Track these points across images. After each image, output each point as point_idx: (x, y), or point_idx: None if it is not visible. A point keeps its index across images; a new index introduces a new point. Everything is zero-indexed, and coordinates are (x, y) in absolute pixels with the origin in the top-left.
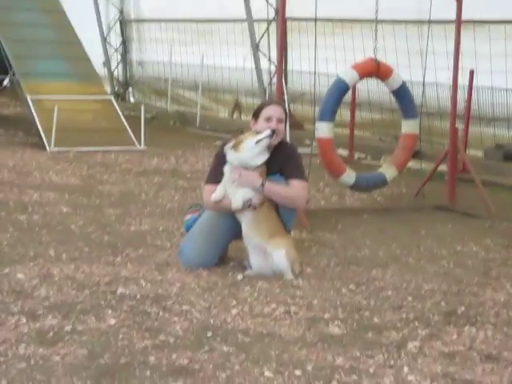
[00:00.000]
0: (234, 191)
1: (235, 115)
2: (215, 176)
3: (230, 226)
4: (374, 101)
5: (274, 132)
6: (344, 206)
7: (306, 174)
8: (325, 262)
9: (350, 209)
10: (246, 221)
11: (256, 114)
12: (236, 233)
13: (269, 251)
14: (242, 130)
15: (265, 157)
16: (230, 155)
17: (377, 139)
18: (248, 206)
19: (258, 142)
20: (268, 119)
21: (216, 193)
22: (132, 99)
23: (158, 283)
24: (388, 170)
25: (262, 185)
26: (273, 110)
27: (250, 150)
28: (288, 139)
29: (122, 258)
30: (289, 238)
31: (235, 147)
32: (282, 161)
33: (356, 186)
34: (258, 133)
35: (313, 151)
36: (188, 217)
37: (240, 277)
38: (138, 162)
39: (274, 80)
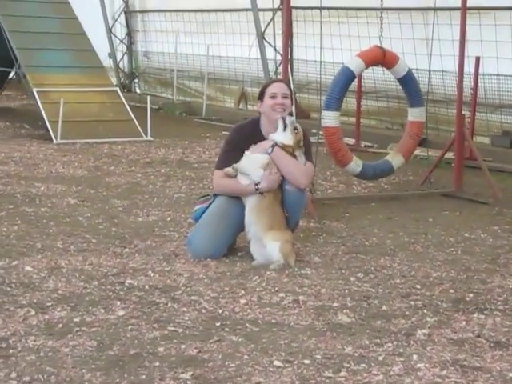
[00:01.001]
0: (243, 174)
1: (241, 105)
2: (225, 161)
3: (239, 216)
4: (380, 89)
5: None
6: (351, 195)
7: (313, 158)
8: (333, 250)
9: (358, 197)
10: (249, 205)
11: (261, 95)
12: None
13: (264, 242)
14: (248, 119)
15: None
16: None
17: (383, 127)
18: (256, 189)
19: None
20: (273, 96)
21: (230, 168)
22: (138, 90)
23: (167, 274)
24: (395, 158)
25: (273, 146)
26: (277, 87)
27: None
28: None
29: (129, 250)
30: (287, 233)
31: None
32: None
33: (363, 175)
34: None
35: (319, 140)
36: (197, 207)
37: (248, 266)
38: (144, 153)
39: (280, 69)
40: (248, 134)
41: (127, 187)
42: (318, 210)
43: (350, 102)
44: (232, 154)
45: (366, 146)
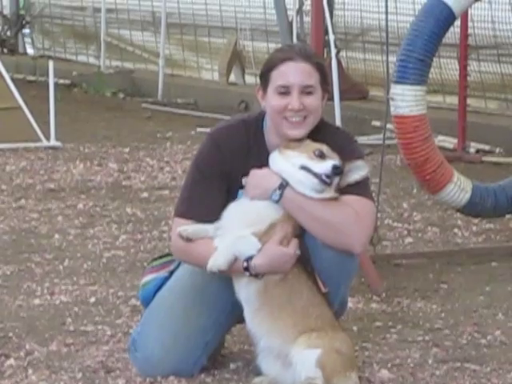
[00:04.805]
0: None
1: (233, 75)
2: (193, 202)
3: (229, 296)
4: (503, 41)
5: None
6: (451, 248)
7: (370, 189)
8: (416, 357)
9: (464, 252)
10: (249, 305)
11: (264, 77)
12: (240, 310)
13: (290, 357)
14: (246, 102)
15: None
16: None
17: None
18: (245, 268)
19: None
20: (282, 92)
21: (191, 226)
22: (30, 50)
23: None
24: None
25: (281, 188)
26: (291, 71)
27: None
28: (337, 122)
29: (16, 362)
30: (337, 336)
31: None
32: None
33: (473, 207)
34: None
35: (387, 141)
36: (148, 278)
37: None
38: (44, 172)
39: (308, 4)
40: (239, 147)
41: (11, 239)
42: (387, 277)
43: (446, 67)
44: (205, 187)
45: (478, 150)
